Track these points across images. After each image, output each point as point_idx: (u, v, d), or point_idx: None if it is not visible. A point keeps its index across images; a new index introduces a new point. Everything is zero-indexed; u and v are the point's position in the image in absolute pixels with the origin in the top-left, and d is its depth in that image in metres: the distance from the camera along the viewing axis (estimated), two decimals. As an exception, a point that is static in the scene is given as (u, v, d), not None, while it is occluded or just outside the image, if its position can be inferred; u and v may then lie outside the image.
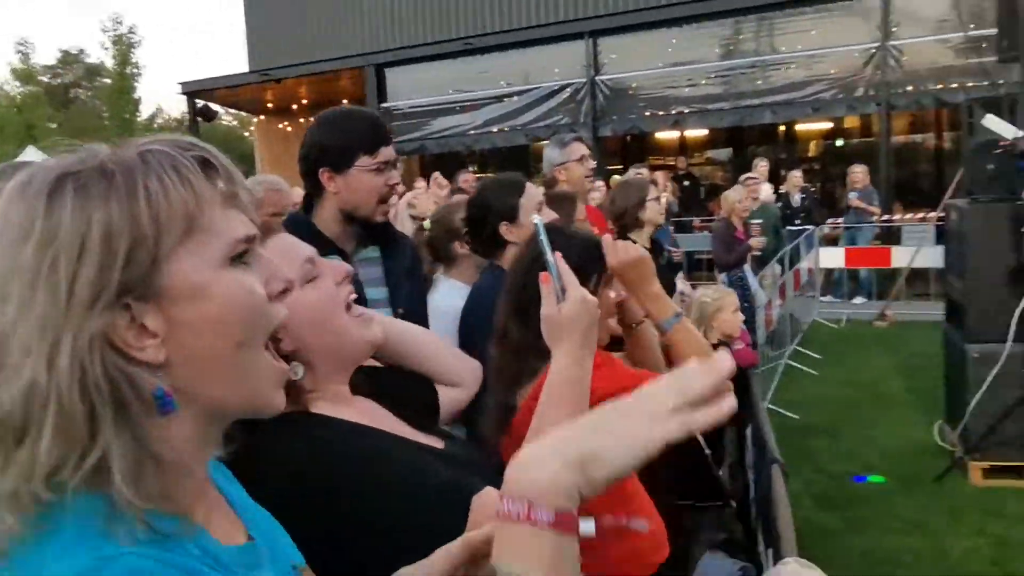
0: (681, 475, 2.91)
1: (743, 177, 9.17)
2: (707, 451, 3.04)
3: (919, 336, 8.03)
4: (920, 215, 10.73)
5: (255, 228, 0.84)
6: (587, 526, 0.70)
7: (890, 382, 7.09)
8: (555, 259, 1.30)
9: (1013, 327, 4.64)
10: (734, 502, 3.68)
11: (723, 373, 0.76)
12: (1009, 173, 4.64)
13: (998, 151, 4.71)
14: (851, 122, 15.32)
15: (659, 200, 4.08)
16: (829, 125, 15.51)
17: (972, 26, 10.55)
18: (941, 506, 4.63)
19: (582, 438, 0.77)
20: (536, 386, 1.64)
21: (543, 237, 1.30)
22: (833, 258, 10.48)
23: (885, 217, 10.78)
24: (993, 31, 5.81)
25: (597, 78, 13.23)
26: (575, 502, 0.72)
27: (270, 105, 17.80)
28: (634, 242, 3.71)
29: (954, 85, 10.89)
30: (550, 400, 1.32)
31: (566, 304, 1.31)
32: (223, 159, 0.84)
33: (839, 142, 16.31)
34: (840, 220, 11.16)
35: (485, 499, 1.14)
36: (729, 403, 0.77)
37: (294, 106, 17.61)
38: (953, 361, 5.30)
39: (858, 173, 10.82)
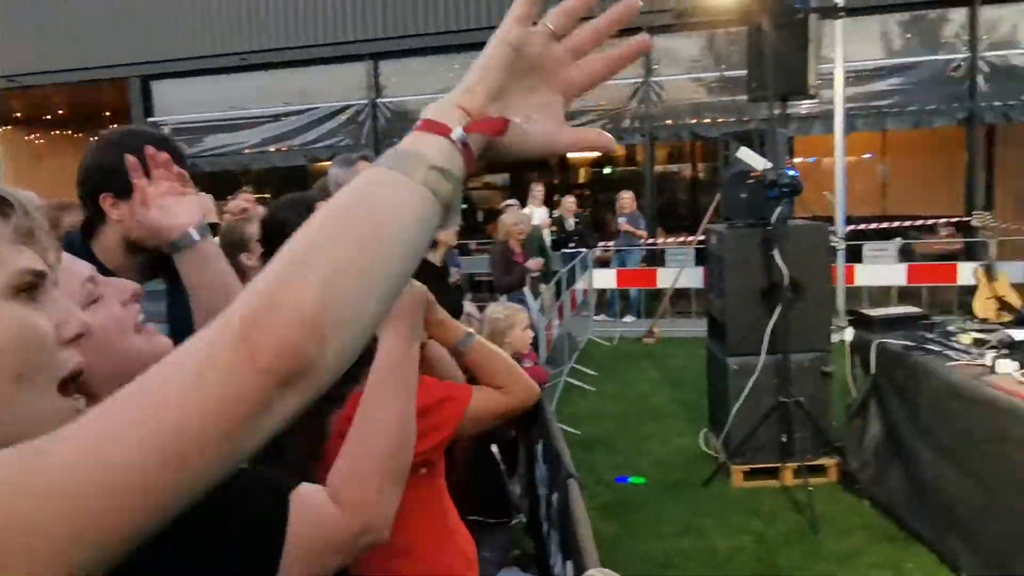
0: (477, 491, 2.94)
1: (503, 203, 9.65)
2: (503, 467, 3.09)
3: (683, 351, 8.64)
4: (681, 239, 11.58)
5: (46, 266, 0.80)
6: (457, 131, 0.71)
7: (659, 395, 7.56)
8: None
9: (766, 341, 5.11)
10: (523, 517, 3.76)
11: None
12: (760, 201, 5.12)
13: (751, 181, 5.18)
14: (618, 151, 16.32)
15: (451, 222, 4.12)
16: (598, 153, 16.40)
17: (723, 67, 11.59)
18: (708, 508, 4.99)
19: None
20: (347, 409, 1.59)
21: None
22: (605, 279, 11.05)
23: (651, 240, 11.55)
24: (743, 72, 6.39)
25: (378, 100, 13.21)
26: (450, 114, 0.73)
27: (17, 115, 16.23)
28: (429, 261, 3.74)
29: (707, 120, 11.90)
30: (379, 385, 1.31)
31: None
32: (22, 199, 0.80)
33: (607, 170, 17.32)
34: (611, 243, 11.81)
35: (303, 492, 1.10)
36: None
37: (47, 117, 16.17)
38: (715, 373, 5.75)
39: (626, 199, 11.52)
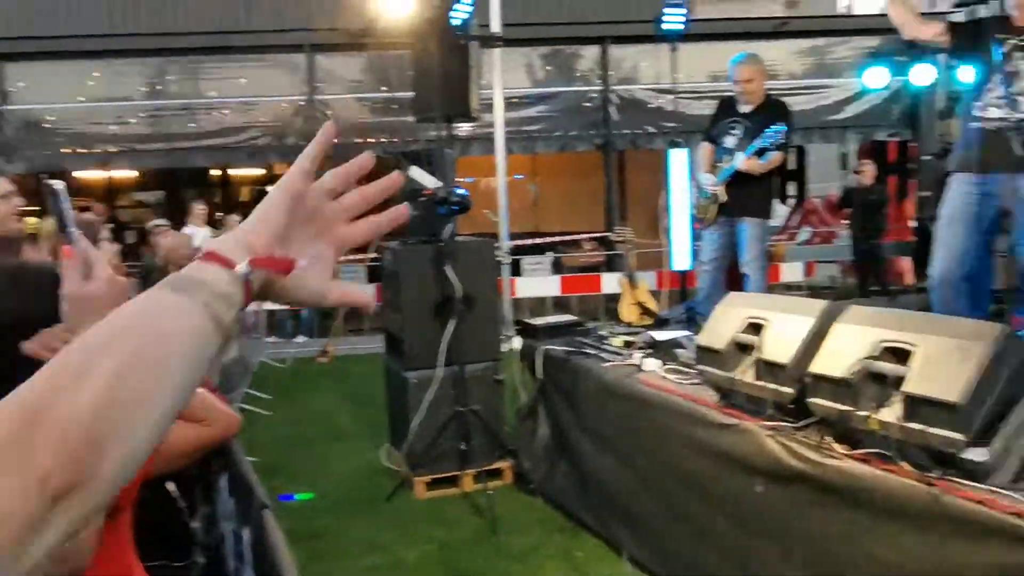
0: (158, 535, 2.70)
1: (150, 224, 9.17)
2: (182, 505, 2.87)
3: (360, 368, 8.65)
4: (352, 256, 11.59)
5: None
6: (242, 266, 0.74)
7: (338, 414, 7.50)
8: (77, 234, 1.14)
9: (443, 353, 5.28)
10: (203, 557, 3.52)
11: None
12: (432, 218, 5.29)
13: (422, 199, 5.33)
14: (282, 169, 15.94)
15: (109, 241, 3.78)
16: (263, 171, 15.95)
17: (384, 88, 11.84)
18: (393, 522, 5.03)
19: None
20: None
21: (65, 205, 1.13)
22: (276, 300, 10.73)
23: (322, 259, 11.42)
24: (408, 93, 6.57)
25: (4, 108, 11.71)
26: (234, 249, 0.76)
27: None
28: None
29: (373, 140, 12.06)
30: None
31: (94, 282, 1.16)
32: None
33: (271, 188, 16.86)
34: (280, 263, 11.50)
35: None
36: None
37: None
38: (394, 388, 5.82)
39: (295, 218, 11.30)
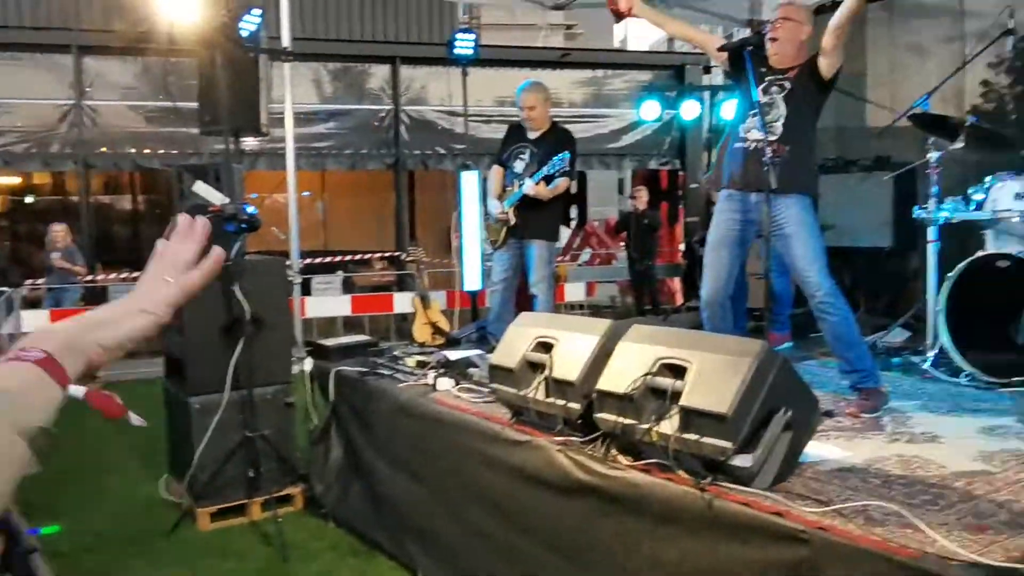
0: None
1: None
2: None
3: (133, 394, 8.02)
4: (125, 275, 10.85)
5: None
6: (76, 390, 0.77)
7: (109, 444, 6.95)
8: None
9: (230, 377, 5.07)
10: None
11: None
12: (219, 236, 5.04)
13: (208, 215, 5.10)
14: (44, 178, 14.69)
15: None
16: (19, 180, 14.62)
17: (162, 97, 11.22)
18: (177, 558, 4.75)
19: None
20: None
21: None
22: (37, 321, 9.83)
23: (90, 277, 10.61)
24: (190, 104, 6.28)
25: None
26: (75, 361, 0.80)
27: None
28: None
29: (149, 150, 11.37)
30: None
31: None
32: None
33: (30, 199, 15.47)
34: (40, 281, 10.57)
35: None
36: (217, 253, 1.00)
37: None
38: (176, 414, 5.51)
39: (59, 232, 10.44)
